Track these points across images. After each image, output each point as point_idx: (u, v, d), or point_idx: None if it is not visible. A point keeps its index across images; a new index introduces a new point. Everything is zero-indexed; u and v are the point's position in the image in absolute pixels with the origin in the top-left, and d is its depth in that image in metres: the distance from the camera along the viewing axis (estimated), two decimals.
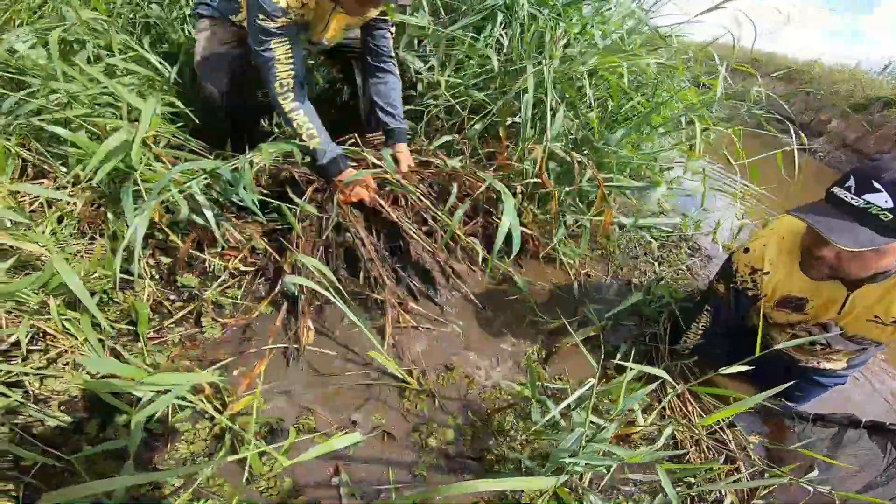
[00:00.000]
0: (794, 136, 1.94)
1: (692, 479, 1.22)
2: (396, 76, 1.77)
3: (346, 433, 1.04)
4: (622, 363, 1.02)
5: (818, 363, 1.48)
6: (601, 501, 0.95)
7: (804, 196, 1.81)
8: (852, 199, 0.99)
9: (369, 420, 1.26)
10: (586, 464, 0.90)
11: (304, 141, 1.44)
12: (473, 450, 1.24)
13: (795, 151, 1.93)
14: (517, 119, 1.88)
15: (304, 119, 1.44)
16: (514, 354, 1.57)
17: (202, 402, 1.12)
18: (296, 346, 1.39)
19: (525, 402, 1.34)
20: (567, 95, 1.93)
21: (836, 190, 1.03)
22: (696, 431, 1.33)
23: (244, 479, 0.95)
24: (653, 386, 1.04)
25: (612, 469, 0.98)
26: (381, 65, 1.72)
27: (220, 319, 1.40)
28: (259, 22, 1.31)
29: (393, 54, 1.73)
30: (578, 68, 1.78)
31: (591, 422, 0.92)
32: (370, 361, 1.39)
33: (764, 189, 2.22)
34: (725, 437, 1.36)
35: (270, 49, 1.35)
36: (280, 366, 1.35)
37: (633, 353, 1.52)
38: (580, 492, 0.98)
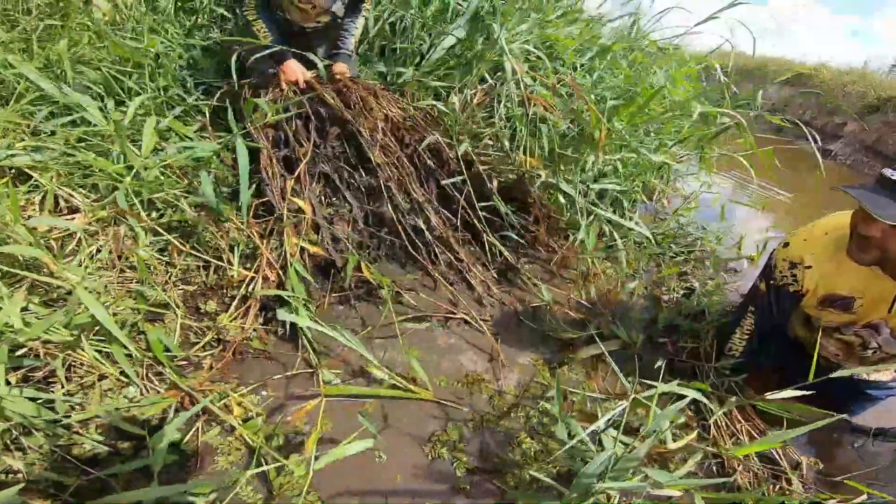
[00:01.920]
0: (812, 140, 1.88)
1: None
2: (361, 20, 2.05)
3: (358, 439, 1.03)
4: (648, 381, 0.96)
5: (867, 374, 1.38)
6: None
7: (831, 202, 1.74)
8: None
9: (384, 432, 1.23)
10: (620, 487, 0.85)
11: (259, 39, 1.81)
12: (491, 466, 1.19)
13: (819, 155, 1.86)
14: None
15: (262, 25, 1.84)
16: (537, 369, 1.52)
17: (233, 419, 1.12)
18: (311, 369, 1.37)
19: (547, 418, 1.29)
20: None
21: (887, 171, 1.02)
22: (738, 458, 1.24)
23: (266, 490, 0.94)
24: (681, 403, 0.98)
25: (644, 492, 0.92)
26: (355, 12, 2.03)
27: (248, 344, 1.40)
28: None
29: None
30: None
31: (621, 441, 0.87)
32: (384, 376, 1.36)
33: (790, 196, 2.14)
34: (776, 455, 1.27)
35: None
36: (301, 382, 1.33)
37: (663, 369, 1.44)
38: None
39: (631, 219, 2.05)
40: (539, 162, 1.88)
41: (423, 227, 1.78)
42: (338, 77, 1.95)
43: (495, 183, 1.86)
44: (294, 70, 1.85)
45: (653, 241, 2.20)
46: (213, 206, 1.45)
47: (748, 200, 2.32)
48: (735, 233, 2.53)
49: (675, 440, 1.12)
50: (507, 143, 1.91)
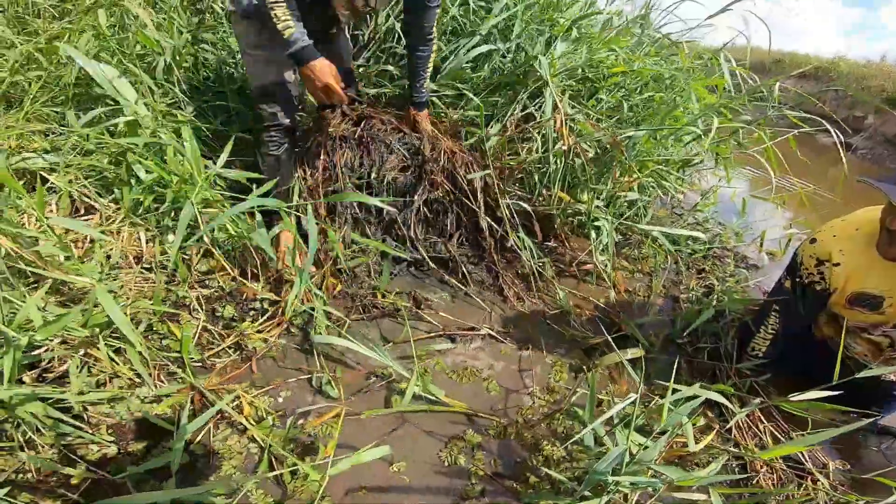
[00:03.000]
0: (835, 134, 1.80)
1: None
2: (434, 50, 1.74)
3: (375, 447, 1.01)
4: (667, 384, 0.91)
5: (894, 376, 1.32)
6: None
7: (853, 197, 1.67)
8: None
9: (402, 438, 1.20)
10: (630, 483, 0.81)
11: (280, 29, 1.39)
12: (509, 469, 1.16)
13: (841, 149, 1.78)
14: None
15: (284, 10, 1.38)
16: (561, 374, 1.48)
17: (244, 419, 1.12)
18: (332, 374, 1.35)
19: (570, 421, 1.25)
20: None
21: None
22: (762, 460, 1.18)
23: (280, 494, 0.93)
24: (695, 403, 0.93)
25: (659, 490, 0.88)
26: (425, 39, 1.68)
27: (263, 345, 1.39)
28: None
29: (434, 31, 1.69)
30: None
31: (636, 441, 0.83)
32: (398, 380, 1.34)
33: (813, 188, 2.07)
34: (801, 456, 1.21)
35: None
36: (311, 388, 1.32)
37: (683, 371, 1.41)
38: None
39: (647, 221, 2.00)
40: (571, 198, 1.84)
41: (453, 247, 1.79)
42: (420, 126, 1.80)
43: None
44: (325, 71, 1.43)
45: (671, 239, 2.13)
46: (266, 252, 1.41)
47: (768, 195, 2.24)
48: (756, 228, 2.44)
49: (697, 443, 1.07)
50: (536, 178, 1.86)
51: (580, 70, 1.91)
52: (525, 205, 1.79)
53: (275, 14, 1.36)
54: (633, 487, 0.88)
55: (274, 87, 1.57)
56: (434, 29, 1.66)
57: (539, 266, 1.79)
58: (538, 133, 1.77)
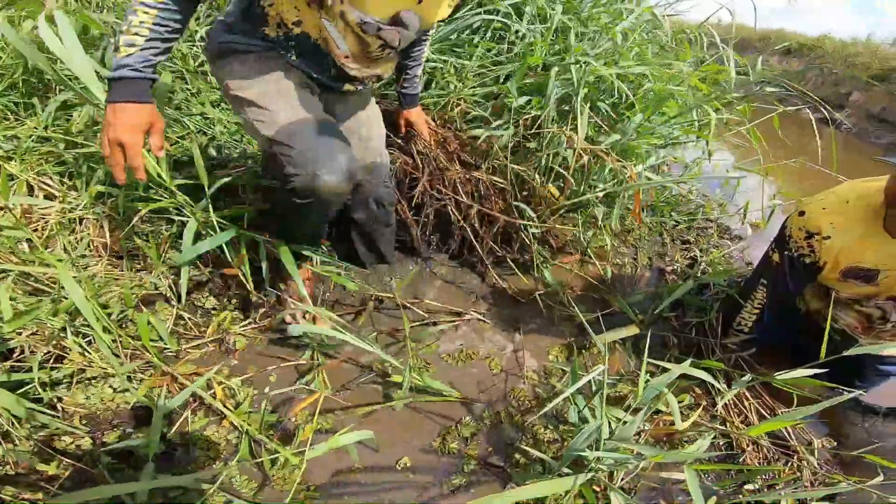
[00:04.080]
0: (828, 115, 1.77)
1: (749, 486, 1.07)
2: (426, 49, 1.42)
3: (354, 429, 0.96)
4: (653, 361, 0.89)
5: (883, 350, 1.30)
6: (625, 498, 0.83)
7: (831, 166, 1.66)
8: None
9: (388, 424, 1.17)
10: (612, 460, 0.79)
11: (120, 41, 0.88)
12: (499, 453, 1.13)
13: (814, 124, 1.75)
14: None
15: (148, 15, 0.87)
16: (542, 350, 1.45)
17: (220, 404, 1.08)
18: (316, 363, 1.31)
19: (554, 399, 1.23)
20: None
21: None
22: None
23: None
24: (672, 375, 0.89)
25: (639, 466, 0.86)
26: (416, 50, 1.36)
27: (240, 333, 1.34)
28: None
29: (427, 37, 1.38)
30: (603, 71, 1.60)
31: (617, 417, 0.81)
32: (385, 370, 1.31)
33: (793, 161, 2.05)
34: (787, 434, 1.20)
35: None
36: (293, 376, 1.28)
37: (667, 345, 1.39)
38: (607, 490, 0.86)
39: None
40: (563, 197, 1.69)
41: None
42: (416, 129, 1.49)
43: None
44: (132, 123, 0.90)
45: (652, 213, 2.11)
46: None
47: (752, 167, 2.22)
48: (739, 200, 2.42)
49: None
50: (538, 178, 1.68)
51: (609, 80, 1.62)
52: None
53: (129, 19, 0.87)
54: (618, 466, 0.86)
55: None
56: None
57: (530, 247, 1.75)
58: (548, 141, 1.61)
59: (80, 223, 1.26)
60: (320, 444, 0.88)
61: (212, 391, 1.14)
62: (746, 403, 1.28)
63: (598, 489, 0.98)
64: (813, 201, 1.20)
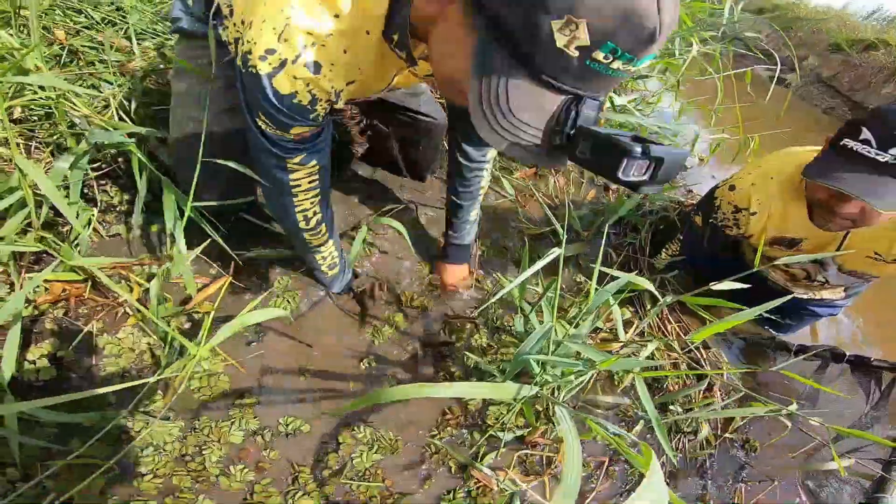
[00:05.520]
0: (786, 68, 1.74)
1: (671, 406, 1.12)
2: (487, 178, 1.15)
3: (264, 308, 0.85)
4: (604, 269, 0.84)
5: (814, 294, 1.37)
6: (571, 413, 0.82)
7: (773, 120, 1.66)
8: (877, 154, 0.85)
9: (316, 319, 1.09)
10: (559, 371, 0.76)
11: (321, 272, 1.06)
12: (434, 359, 1.10)
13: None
14: None
15: (332, 250, 1.00)
16: (506, 266, 1.40)
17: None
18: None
19: (499, 309, 1.21)
20: None
21: (852, 144, 0.89)
22: (677, 353, 1.21)
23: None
24: (619, 284, 0.85)
25: (585, 377, 0.85)
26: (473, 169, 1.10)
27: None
28: (264, 129, 0.71)
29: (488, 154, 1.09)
30: None
31: (562, 324, 0.77)
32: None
33: (739, 105, 2.05)
34: (700, 356, 1.24)
35: (285, 170, 0.77)
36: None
37: (608, 261, 1.40)
38: (548, 403, 0.84)
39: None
40: None
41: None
42: (455, 289, 1.25)
43: None
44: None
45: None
46: None
47: (705, 104, 2.21)
48: (690, 132, 2.38)
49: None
50: None
51: None
52: None
53: (320, 257, 1.01)
54: (564, 379, 0.84)
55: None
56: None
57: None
58: None
59: None
60: (223, 330, 0.74)
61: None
62: (668, 326, 1.33)
63: (540, 409, 0.99)
64: (743, 176, 1.21)
